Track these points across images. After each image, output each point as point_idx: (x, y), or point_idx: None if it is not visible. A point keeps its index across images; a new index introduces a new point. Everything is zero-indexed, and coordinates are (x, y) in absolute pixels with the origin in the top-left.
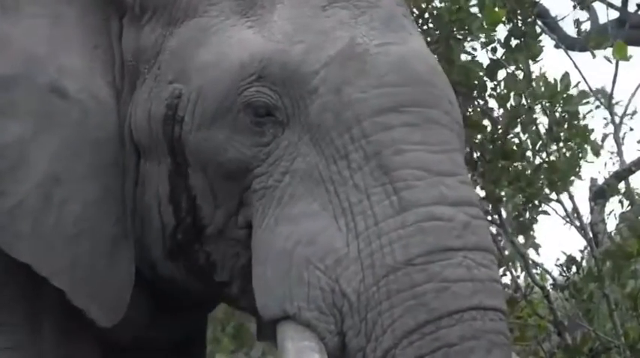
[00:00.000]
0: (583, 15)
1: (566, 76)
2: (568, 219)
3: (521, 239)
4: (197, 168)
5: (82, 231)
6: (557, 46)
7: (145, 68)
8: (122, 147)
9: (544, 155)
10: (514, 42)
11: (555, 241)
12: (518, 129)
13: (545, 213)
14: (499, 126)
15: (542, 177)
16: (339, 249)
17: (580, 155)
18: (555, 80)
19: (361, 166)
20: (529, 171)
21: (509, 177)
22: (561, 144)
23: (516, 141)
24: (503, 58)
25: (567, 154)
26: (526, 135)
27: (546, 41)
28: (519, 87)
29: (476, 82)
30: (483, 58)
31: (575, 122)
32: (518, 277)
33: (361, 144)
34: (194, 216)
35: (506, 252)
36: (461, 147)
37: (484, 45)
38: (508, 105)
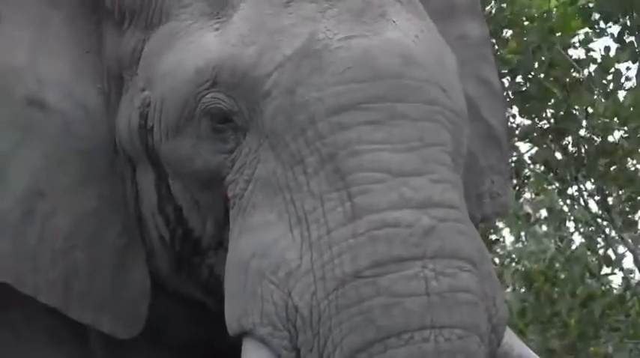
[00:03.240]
0: None
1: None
2: None
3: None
4: (175, 178)
5: (77, 244)
6: None
7: (128, 75)
8: (116, 155)
9: None
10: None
11: None
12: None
13: None
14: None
15: None
16: (292, 260)
17: None
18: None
19: (317, 171)
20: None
21: (611, 175)
22: None
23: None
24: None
25: None
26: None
27: None
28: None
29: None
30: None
31: None
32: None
33: (316, 146)
34: (184, 228)
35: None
36: (451, 139)
37: (583, 43)
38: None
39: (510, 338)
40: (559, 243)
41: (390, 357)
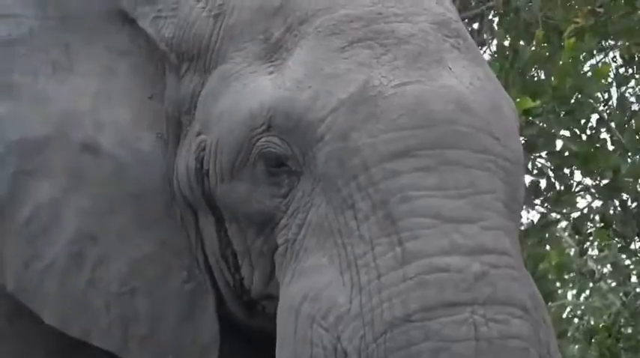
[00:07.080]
0: None
1: None
2: None
3: None
4: (232, 222)
5: (136, 288)
6: None
7: (187, 120)
8: (172, 200)
9: None
10: None
11: None
12: None
13: None
14: None
15: None
16: (342, 304)
17: None
18: None
19: (368, 216)
20: None
21: None
22: None
23: None
24: None
25: None
26: None
27: None
28: None
29: None
30: None
31: None
32: None
33: (368, 192)
34: (239, 275)
35: None
36: (503, 186)
37: None
38: None
39: None
40: (624, 299)
41: None
